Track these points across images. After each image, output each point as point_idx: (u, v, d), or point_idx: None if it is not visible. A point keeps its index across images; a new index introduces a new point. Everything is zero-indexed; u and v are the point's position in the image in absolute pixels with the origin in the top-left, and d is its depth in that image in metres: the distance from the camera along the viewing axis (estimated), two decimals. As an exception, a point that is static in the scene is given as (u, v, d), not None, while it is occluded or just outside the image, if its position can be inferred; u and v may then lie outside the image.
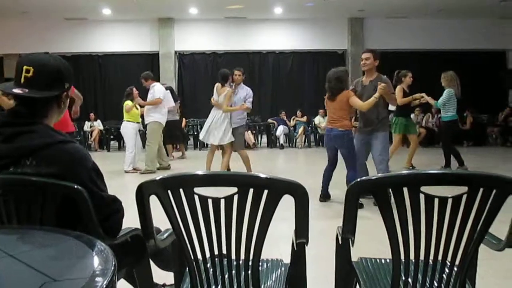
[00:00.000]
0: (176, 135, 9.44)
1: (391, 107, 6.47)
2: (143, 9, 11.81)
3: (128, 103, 7.67)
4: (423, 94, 7.17)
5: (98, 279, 0.88)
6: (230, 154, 6.46)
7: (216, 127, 6.31)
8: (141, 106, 7.77)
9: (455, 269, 1.43)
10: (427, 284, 1.45)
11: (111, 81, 13.69)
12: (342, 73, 4.85)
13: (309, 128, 12.53)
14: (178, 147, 10.17)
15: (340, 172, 4.93)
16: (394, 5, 11.82)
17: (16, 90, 1.48)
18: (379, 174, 1.41)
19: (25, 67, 1.48)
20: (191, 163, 9.05)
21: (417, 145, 7.32)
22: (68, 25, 12.90)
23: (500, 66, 13.97)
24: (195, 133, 12.29)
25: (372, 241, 3.03)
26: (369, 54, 4.84)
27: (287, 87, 13.93)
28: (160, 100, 7.43)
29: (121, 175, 7.30)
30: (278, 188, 1.38)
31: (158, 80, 12.37)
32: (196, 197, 1.39)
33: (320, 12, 12.55)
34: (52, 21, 12.62)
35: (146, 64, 13.41)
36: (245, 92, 6.42)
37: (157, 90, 7.51)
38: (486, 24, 13.23)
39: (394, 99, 5.12)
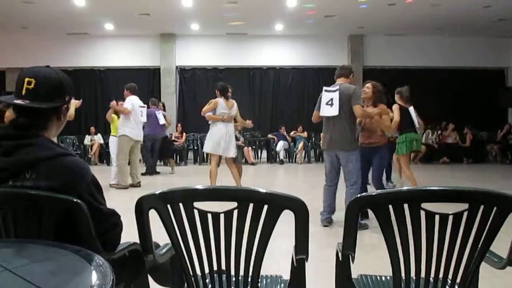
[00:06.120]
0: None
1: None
2: (145, 24, 11.93)
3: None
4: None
5: (96, 294, 0.87)
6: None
7: (231, 141, 6.40)
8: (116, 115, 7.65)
9: (456, 287, 1.42)
10: (428, 302, 1.43)
11: (112, 95, 13.66)
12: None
13: (309, 144, 12.53)
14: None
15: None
16: (393, 23, 11.93)
17: (18, 101, 1.48)
18: (379, 190, 1.41)
19: (26, 79, 1.49)
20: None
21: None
22: (70, 40, 13.02)
23: (499, 84, 14.05)
24: (195, 147, 12.28)
25: (372, 257, 3.01)
26: None
27: (287, 102, 14.00)
28: (128, 110, 7.17)
29: (120, 189, 7.25)
30: (278, 203, 1.37)
31: (159, 95, 12.55)
32: (195, 211, 1.38)
33: (320, 28, 12.67)
34: (54, 35, 12.74)
35: (147, 79, 13.55)
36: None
37: (126, 102, 7.36)
38: (484, 42, 13.35)
39: None
